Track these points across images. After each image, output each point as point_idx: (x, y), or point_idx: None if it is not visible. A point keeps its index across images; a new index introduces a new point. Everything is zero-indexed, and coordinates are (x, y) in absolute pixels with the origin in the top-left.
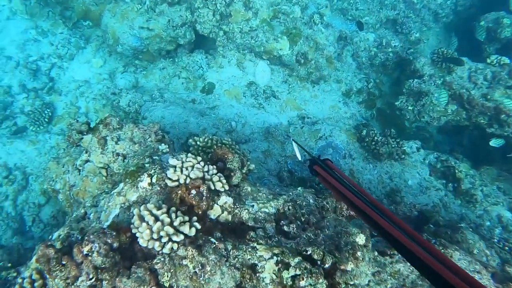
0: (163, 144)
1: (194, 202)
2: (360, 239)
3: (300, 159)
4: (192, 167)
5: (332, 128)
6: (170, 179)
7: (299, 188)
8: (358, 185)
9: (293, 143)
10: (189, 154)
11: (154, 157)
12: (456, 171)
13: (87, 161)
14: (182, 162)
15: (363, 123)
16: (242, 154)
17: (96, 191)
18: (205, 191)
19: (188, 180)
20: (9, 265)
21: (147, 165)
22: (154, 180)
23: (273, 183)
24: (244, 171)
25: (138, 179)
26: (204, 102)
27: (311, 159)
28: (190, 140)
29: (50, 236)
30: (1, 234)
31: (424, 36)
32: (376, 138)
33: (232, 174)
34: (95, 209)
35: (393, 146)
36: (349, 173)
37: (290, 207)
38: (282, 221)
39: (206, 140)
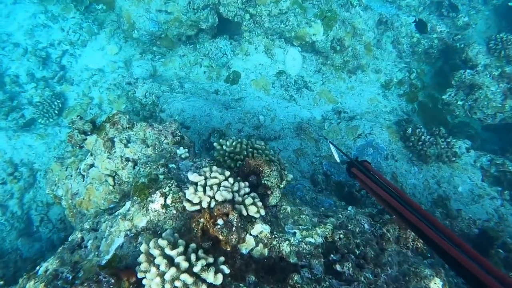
0: (181, 148)
1: (221, 237)
2: (436, 285)
3: (338, 160)
4: (219, 185)
5: (372, 125)
6: (189, 201)
7: (349, 208)
8: (400, 190)
9: (330, 144)
10: (214, 168)
11: (171, 165)
12: None
13: (92, 165)
14: (205, 178)
15: (405, 118)
16: (278, 162)
17: (102, 201)
18: (235, 220)
19: (213, 203)
20: (1, 283)
21: (161, 176)
22: (169, 201)
23: (307, 188)
24: (282, 186)
25: (149, 198)
26: (229, 93)
27: (348, 161)
28: (215, 144)
29: (38, 267)
30: (5, 235)
31: (472, 21)
32: (423, 137)
33: (268, 192)
34: (95, 234)
35: (443, 146)
36: (391, 177)
37: (341, 235)
38: (332, 256)
39: (234, 144)
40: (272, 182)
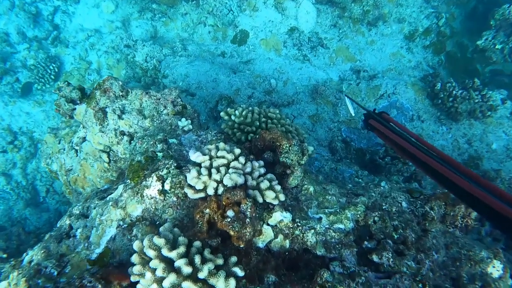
0: (183, 119)
1: (232, 232)
2: (495, 268)
3: (353, 114)
4: (227, 166)
5: (395, 83)
6: (192, 187)
7: (383, 184)
8: (421, 139)
9: (346, 97)
10: (221, 144)
11: (171, 140)
12: None
13: (84, 139)
14: (211, 158)
15: (431, 73)
16: (297, 133)
17: (98, 180)
18: (249, 210)
19: (220, 189)
20: (5, 255)
21: (159, 154)
22: (167, 186)
23: (325, 158)
24: (303, 162)
25: (144, 182)
26: (236, 55)
27: (365, 113)
28: (222, 114)
29: (24, 255)
30: (12, 204)
31: None
32: (454, 92)
33: (288, 171)
34: (84, 221)
35: (477, 100)
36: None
37: (376, 218)
38: (366, 243)
39: (245, 113)
40: (292, 160)
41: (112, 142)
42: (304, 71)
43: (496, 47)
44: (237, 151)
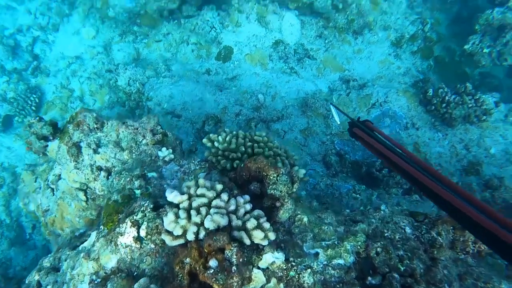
0: (164, 149)
1: (216, 286)
2: None
3: (338, 122)
4: (209, 205)
5: (386, 91)
6: (169, 233)
7: (383, 208)
8: (403, 147)
9: (331, 106)
10: (201, 181)
11: (150, 174)
12: None
13: (60, 176)
14: (190, 197)
15: (421, 79)
16: (286, 155)
17: (76, 219)
18: (234, 256)
19: (202, 233)
20: None
21: (137, 191)
22: (143, 232)
23: (320, 174)
24: (294, 190)
25: (118, 229)
26: (222, 72)
27: (350, 122)
28: (205, 141)
29: None
30: None
31: None
32: (447, 97)
33: (277, 204)
34: (55, 276)
35: (471, 105)
36: (413, 148)
37: (378, 249)
38: (370, 279)
39: (228, 139)
40: (281, 191)
41: (88, 179)
42: (292, 84)
43: (484, 50)
44: (219, 187)
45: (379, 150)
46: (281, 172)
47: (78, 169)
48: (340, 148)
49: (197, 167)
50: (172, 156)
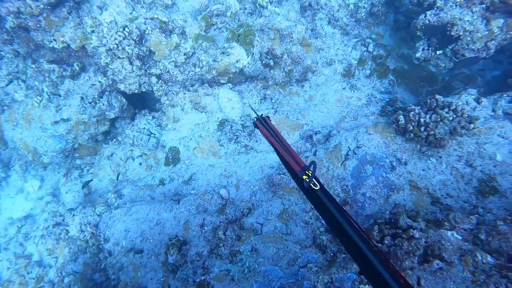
0: None
1: None
2: None
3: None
4: None
5: (355, 134)
6: None
7: None
8: (285, 140)
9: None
10: None
11: None
12: None
13: None
14: None
15: (388, 101)
16: None
17: None
18: None
19: None
20: None
21: None
22: None
23: (315, 264)
24: None
25: None
26: (176, 176)
27: (256, 117)
28: None
29: None
30: None
31: None
32: (422, 119)
33: None
34: None
35: (451, 118)
36: (410, 187)
37: None
38: None
39: None
40: None
41: None
42: (252, 163)
43: (437, 53)
44: None
45: (269, 140)
46: None
47: None
48: None
49: None
50: None
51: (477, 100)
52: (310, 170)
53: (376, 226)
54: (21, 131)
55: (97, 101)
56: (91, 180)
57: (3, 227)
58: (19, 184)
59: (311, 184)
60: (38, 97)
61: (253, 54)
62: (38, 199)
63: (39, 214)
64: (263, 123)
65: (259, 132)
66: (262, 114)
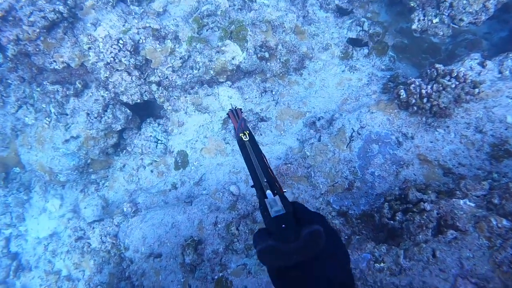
0: None
1: None
2: None
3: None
4: None
5: (357, 114)
6: None
7: None
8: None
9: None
10: None
11: None
12: None
13: None
14: None
15: (389, 78)
16: None
17: None
18: None
19: None
20: None
21: None
22: None
23: None
24: None
25: None
26: (187, 179)
27: (230, 109)
28: None
29: None
30: None
31: None
32: (423, 90)
33: None
34: None
35: (454, 86)
36: (420, 161)
37: None
38: None
39: None
40: None
41: None
42: None
43: (434, 21)
44: None
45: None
46: None
47: None
48: (339, 205)
49: None
50: None
51: (482, 64)
52: (248, 131)
53: (386, 203)
54: (35, 153)
55: (102, 115)
56: None
57: (32, 247)
58: (41, 205)
59: (241, 135)
60: (47, 118)
61: (247, 49)
62: (60, 217)
63: (63, 231)
64: (234, 113)
65: (262, 126)
66: (235, 107)
